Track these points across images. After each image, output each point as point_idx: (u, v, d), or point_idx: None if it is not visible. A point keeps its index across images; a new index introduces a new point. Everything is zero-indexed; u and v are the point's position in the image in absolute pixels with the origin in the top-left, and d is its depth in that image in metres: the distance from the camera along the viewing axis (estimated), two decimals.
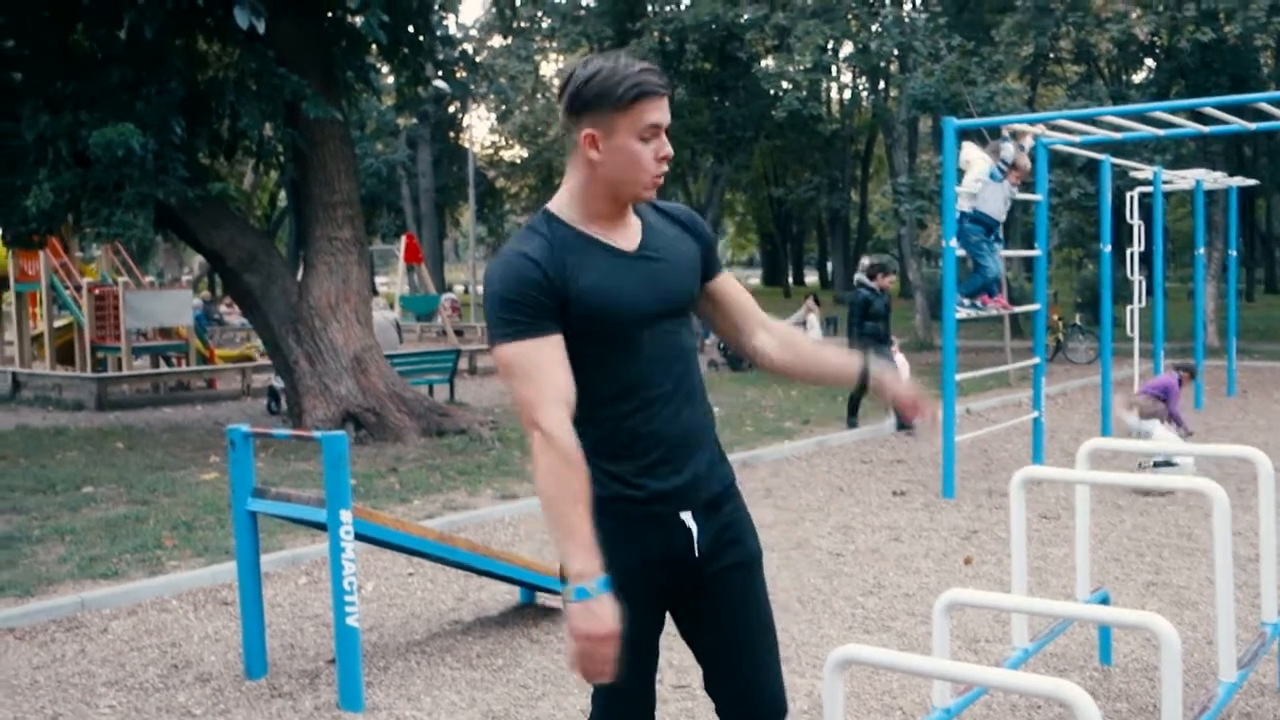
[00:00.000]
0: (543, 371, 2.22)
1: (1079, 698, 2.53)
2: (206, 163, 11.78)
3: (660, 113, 2.26)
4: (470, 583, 5.91)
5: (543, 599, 5.55)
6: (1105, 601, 4.59)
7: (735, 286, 2.59)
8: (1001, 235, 9.14)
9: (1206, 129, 9.81)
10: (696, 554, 2.37)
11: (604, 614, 2.13)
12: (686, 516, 2.36)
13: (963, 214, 8.80)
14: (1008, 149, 8.97)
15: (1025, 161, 9.00)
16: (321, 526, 4.45)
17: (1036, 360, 9.36)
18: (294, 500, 4.63)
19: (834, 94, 38.78)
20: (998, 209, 8.85)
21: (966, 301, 8.89)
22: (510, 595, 5.66)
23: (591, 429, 2.29)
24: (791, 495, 8.19)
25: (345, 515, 4.23)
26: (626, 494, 2.33)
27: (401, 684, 4.54)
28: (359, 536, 4.38)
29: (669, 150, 2.30)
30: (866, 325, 11.19)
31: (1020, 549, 4.09)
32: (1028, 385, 12.15)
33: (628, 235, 2.37)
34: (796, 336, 2.63)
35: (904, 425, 10.97)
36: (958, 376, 8.44)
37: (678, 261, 2.42)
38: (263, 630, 4.68)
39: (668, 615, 2.48)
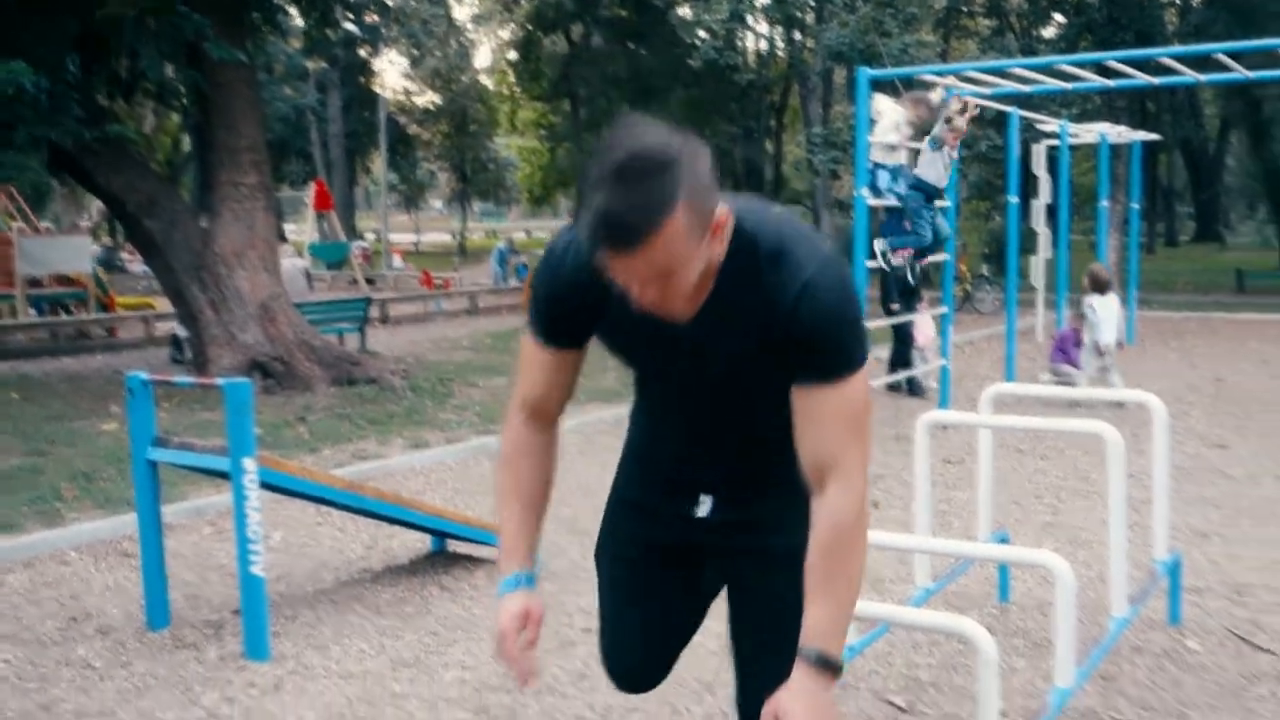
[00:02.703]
0: (525, 371, 2.18)
1: (977, 633, 2.60)
2: (104, 104, 11.37)
3: (613, 270, 1.77)
4: (380, 531, 5.86)
5: (453, 546, 5.53)
6: (1004, 542, 4.71)
7: (815, 417, 1.91)
8: (945, 204, 9.15)
9: (1112, 83, 9.99)
10: (699, 515, 2.22)
11: (500, 614, 2.10)
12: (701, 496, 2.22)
13: (878, 167, 8.85)
14: (949, 105, 8.95)
15: (962, 124, 9.05)
16: (225, 475, 4.37)
17: (944, 309, 9.52)
18: (197, 449, 4.53)
19: (750, 44, 38.73)
20: (938, 176, 8.91)
21: (889, 253, 8.88)
22: (421, 543, 5.63)
23: (630, 422, 2.37)
24: None
25: (249, 463, 4.15)
26: (632, 499, 2.35)
27: (309, 633, 4.49)
28: (264, 485, 4.31)
29: (644, 297, 1.80)
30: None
31: (924, 492, 4.17)
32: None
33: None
34: (826, 547, 1.93)
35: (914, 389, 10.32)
36: (868, 325, 8.54)
37: (714, 348, 1.97)
38: (164, 581, 4.59)
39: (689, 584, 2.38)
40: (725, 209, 1.83)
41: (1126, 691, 3.80)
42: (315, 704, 3.81)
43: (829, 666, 1.90)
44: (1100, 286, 9.76)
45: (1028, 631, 4.36)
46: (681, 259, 1.75)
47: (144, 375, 4.55)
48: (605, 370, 11.81)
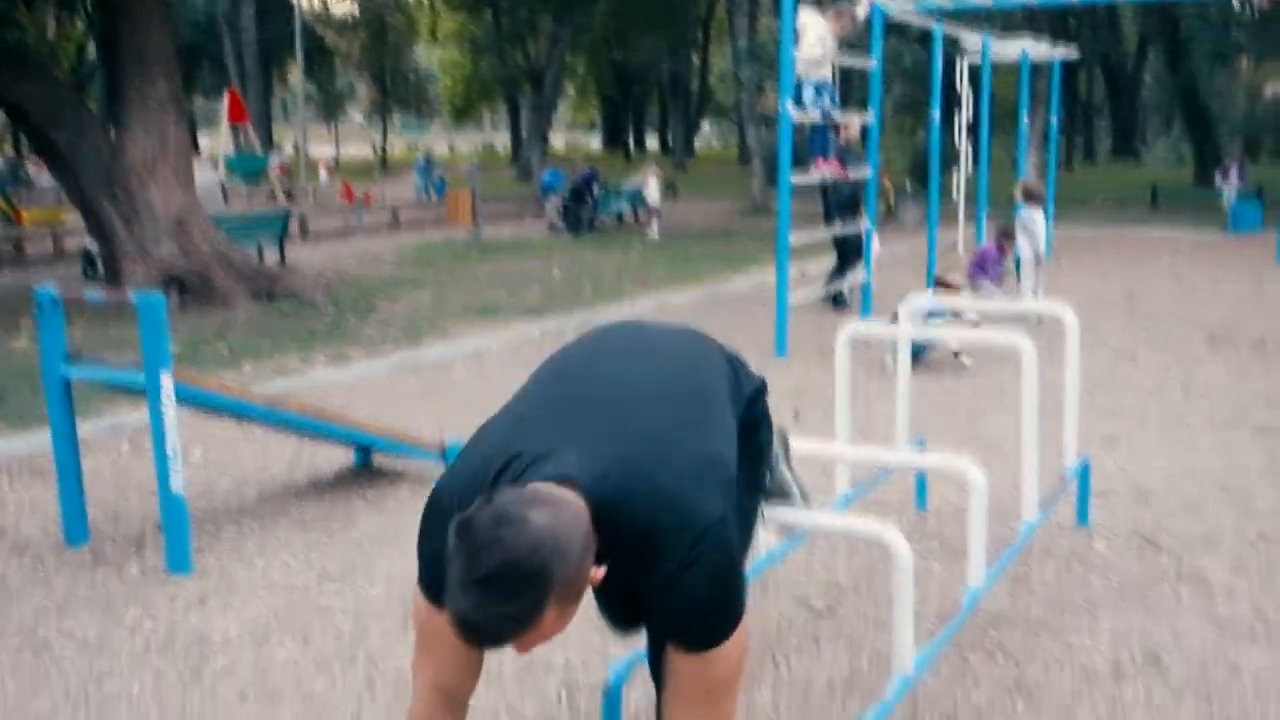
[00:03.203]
0: (431, 651, 1.90)
1: (893, 538, 2.67)
2: (3, 9, 10.87)
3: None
4: (304, 447, 5.82)
5: (378, 461, 5.52)
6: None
7: (680, 682, 1.86)
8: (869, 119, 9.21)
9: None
10: None
11: None
12: None
13: (803, 81, 8.76)
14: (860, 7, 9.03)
15: (858, 18, 9.09)
16: (141, 391, 4.29)
17: (867, 224, 9.59)
18: (111, 364, 4.44)
19: None
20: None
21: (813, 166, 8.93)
22: (344, 458, 5.60)
23: None
24: None
25: (165, 378, 4.07)
26: None
27: (233, 547, 4.47)
28: (182, 401, 4.24)
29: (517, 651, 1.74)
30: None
31: (845, 401, 4.24)
32: None
33: None
34: None
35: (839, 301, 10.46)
36: (792, 239, 8.58)
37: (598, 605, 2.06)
38: (82, 496, 4.52)
39: None
40: (585, 514, 1.70)
41: (1036, 591, 3.94)
42: (240, 617, 3.81)
43: None
44: (1035, 198, 9.95)
45: (944, 537, 4.48)
46: (553, 633, 1.71)
47: (53, 290, 4.42)
48: (528, 284, 11.76)
